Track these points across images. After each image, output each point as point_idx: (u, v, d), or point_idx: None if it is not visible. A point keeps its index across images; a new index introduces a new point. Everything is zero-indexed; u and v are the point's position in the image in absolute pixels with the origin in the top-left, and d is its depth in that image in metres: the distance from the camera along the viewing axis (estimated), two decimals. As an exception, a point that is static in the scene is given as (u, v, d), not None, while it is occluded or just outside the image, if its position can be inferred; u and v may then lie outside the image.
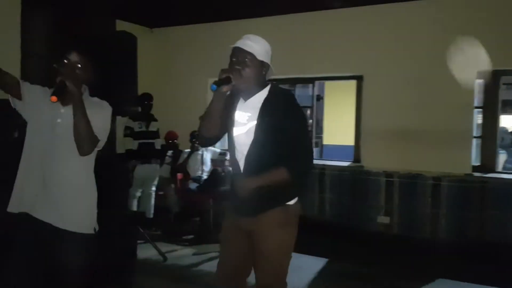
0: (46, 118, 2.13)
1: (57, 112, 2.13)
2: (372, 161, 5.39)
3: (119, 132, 5.35)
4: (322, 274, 4.26)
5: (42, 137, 2.13)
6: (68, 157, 2.10)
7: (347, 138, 6.59)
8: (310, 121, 6.86)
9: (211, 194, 5.51)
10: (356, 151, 5.71)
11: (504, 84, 5.22)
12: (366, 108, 5.51)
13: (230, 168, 2.33)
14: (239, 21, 6.04)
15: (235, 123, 2.20)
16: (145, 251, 4.58)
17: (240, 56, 2.10)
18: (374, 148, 5.41)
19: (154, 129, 5.45)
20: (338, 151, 8.24)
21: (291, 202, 2.17)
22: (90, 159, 2.21)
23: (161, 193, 5.89)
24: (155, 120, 5.49)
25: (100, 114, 2.19)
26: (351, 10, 5.43)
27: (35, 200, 2.11)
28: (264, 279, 2.19)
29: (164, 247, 4.78)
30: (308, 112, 6.80)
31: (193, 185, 5.70)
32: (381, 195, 5.25)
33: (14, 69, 4.23)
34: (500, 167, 5.52)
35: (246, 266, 2.28)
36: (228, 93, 2.12)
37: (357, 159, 5.66)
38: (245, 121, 2.15)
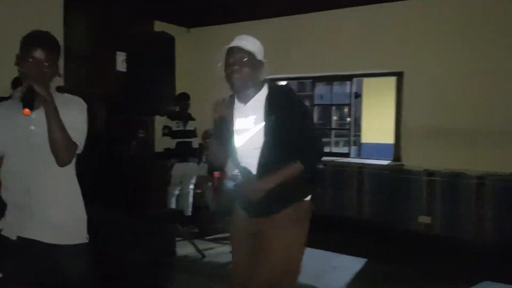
0: (20, 132, 1.85)
1: (28, 118, 1.82)
2: (413, 160, 5.24)
3: (158, 131, 5.47)
4: (359, 275, 4.18)
5: (18, 152, 1.86)
6: (50, 168, 1.84)
7: (386, 136, 6.46)
8: (348, 119, 6.76)
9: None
10: (396, 149, 5.57)
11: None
12: (406, 105, 5.37)
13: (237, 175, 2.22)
14: (275, 19, 6.03)
15: (237, 132, 2.11)
16: (184, 249, 4.64)
17: (238, 55, 2.04)
18: (414, 146, 5.26)
19: (192, 128, 5.53)
20: (376, 149, 8.09)
21: (306, 199, 2.14)
22: (72, 164, 1.96)
23: (198, 191, 5.96)
24: (193, 119, 5.57)
25: (75, 114, 1.90)
26: (389, 4, 5.30)
27: (23, 220, 1.89)
28: (273, 277, 2.07)
29: (202, 244, 4.83)
30: (346, 110, 6.69)
31: (230, 184, 5.72)
32: (422, 194, 5.10)
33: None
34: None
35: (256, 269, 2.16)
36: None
37: (397, 158, 5.52)
38: (250, 126, 2.07)
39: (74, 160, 1.94)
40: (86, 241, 2.03)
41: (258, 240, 2.12)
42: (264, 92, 2.09)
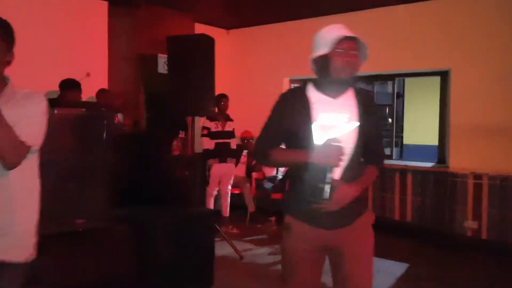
0: None
1: None
2: (458, 162, 5.03)
3: (197, 132, 5.52)
4: (402, 279, 4.06)
5: None
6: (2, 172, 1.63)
7: (429, 137, 6.26)
8: (390, 120, 6.60)
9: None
10: (441, 151, 5.38)
11: None
12: (452, 105, 5.17)
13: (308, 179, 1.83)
14: (313, 19, 5.97)
15: (322, 128, 1.86)
16: (222, 249, 4.65)
17: (356, 46, 1.89)
18: (460, 148, 5.05)
19: (230, 129, 5.55)
20: (419, 151, 7.85)
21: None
22: (30, 163, 1.72)
23: (237, 192, 5.97)
24: (231, 120, 5.59)
25: (32, 110, 1.68)
26: (431, 2, 5.13)
27: None
28: (360, 284, 1.94)
29: (241, 245, 4.83)
30: (387, 110, 6.53)
31: (268, 185, 5.71)
32: (468, 198, 4.89)
33: (102, 71, 4.53)
34: None
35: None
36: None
37: (441, 160, 5.33)
38: (341, 123, 1.88)
39: (35, 157, 1.74)
40: (30, 259, 1.76)
41: (338, 256, 1.95)
42: (350, 90, 1.95)
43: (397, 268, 4.29)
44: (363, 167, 1.96)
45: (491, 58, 4.80)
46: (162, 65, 5.11)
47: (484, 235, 4.82)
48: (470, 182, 4.87)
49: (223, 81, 5.90)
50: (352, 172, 1.87)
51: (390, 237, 5.10)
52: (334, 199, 1.78)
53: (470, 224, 4.87)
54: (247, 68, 6.97)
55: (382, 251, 4.56)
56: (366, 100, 1.97)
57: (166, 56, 4.60)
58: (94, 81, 4.74)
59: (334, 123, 1.87)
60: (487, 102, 4.81)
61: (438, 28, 5.14)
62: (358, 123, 1.88)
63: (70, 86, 3.94)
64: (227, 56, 6.72)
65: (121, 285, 3.11)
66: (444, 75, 5.30)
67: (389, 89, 6.26)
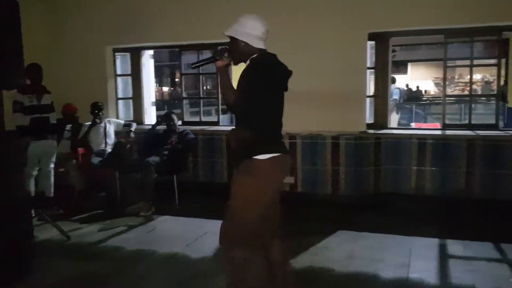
0: None
1: None
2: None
3: (7, 107, 4.94)
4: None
5: None
6: None
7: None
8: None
9: (116, 167, 5.34)
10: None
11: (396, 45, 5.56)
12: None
13: None
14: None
15: None
16: (46, 232, 4.35)
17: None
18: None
19: (48, 102, 5.07)
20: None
21: (260, 157, 2.34)
22: None
23: (61, 170, 5.58)
24: (48, 92, 5.10)
25: None
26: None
27: None
28: (226, 218, 2.44)
29: (68, 225, 4.59)
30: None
31: (96, 160, 5.47)
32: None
33: None
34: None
35: None
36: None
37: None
38: None
39: None
40: None
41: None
42: (249, 61, 2.47)
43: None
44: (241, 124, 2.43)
45: (299, 30, 5.28)
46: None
47: (299, 189, 5.44)
48: (286, 142, 5.40)
49: (36, 50, 5.37)
50: (235, 122, 2.53)
51: (219, 200, 5.37)
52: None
53: (288, 179, 5.42)
54: (65, 36, 6.44)
55: (211, 213, 4.83)
56: (246, 69, 2.45)
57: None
58: None
59: None
60: (295, 70, 5.23)
61: None
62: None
63: None
64: (39, 22, 6.10)
65: None
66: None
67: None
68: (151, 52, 6.62)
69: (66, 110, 5.85)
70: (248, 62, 2.47)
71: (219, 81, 2.63)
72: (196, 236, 4.31)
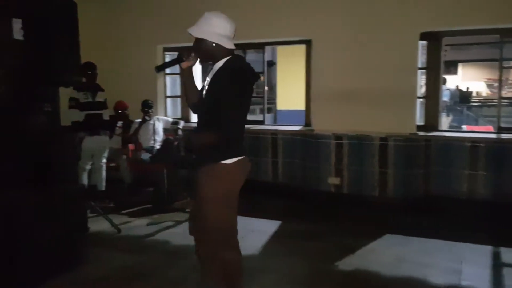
0: None
1: None
2: (321, 124, 5.47)
3: (63, 104, 5.16)
4: (276, 235, 4.37)
5: None
6: None
7: (300, 102, 6.64)
8: (266, 88, 6.82)
9: (164, 163, 5.47)
10: (307, 114, 5.79)
11: (446, 45, 5.39)
12: (313, 72, 5.56)
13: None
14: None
15: (203, 87, 2.52)
16: (98, 224, 4.52)
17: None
18: (322, 111, 5.47)
19: (101, 99, 5.28)
20: (292, 116, 8.29)
21: (225, 162, 2.39)
22: None
23: (112, 165, 5.78)
24: (102, 90, 5.31)
25: None
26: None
27: None
28: (200, 221, 2.51)
29: (119, 219, 4.74)
30: (262, 78, 6.73)
31: (145, 156, 5.62)
32: (331, 156, 5.37)
33: None
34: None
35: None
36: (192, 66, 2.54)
37: (308, 123, 5.74)
38: (206, 85, 2.49)
39: None
40: None
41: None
42: (221, 63, 2.45)
43: (270, 226, 4.60)
44: (207, 127, 2.40)
45: (347, 29, 5.22)
46: (17, 31, 4.63)
47: (345, 190, 5.37)
48: (332, 142, 5.35)
49: (92, 49, 5.57)
50: (199, 126, 2.51)
51: (264, 198, 5.43)
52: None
53: (334, 180, 5.38)
54: (119, 36, 6.66)
55: (255, 211, 4.90)
56: (220, 72, 2.41)
57: (21, 20, 4.16)
58: None
59: (205, 84, 2.50)
60: (343, 69, 5.27)
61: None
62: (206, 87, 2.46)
63: None
64: (94, 22, 6.33)
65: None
66: (308, 44, 5.64)
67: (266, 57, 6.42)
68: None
69: (118, 107, 6.05)
70: (222, 64, 2.43)
71: (183, 82, 2.63)
72: (242, 233, 4.31)
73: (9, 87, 3.84)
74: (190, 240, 4.09)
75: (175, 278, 3.41)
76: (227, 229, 2.52)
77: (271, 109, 9.03)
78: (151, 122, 5.88)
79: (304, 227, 4.58)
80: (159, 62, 6.59)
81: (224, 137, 2.32)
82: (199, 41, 2.43)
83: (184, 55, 2.49)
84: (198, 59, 2.52)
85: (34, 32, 3.89)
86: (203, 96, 2.46)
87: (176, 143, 5.80)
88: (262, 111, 6.69)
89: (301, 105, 6.05)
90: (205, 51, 2.44)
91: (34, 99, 3.91)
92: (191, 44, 2.48)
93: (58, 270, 3.35)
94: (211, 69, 2.50)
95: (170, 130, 6.04)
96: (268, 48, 6.27)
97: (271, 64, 9.25)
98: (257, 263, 3.63)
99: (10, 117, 3.61)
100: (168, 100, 6.84)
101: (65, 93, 5.05)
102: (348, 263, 3.59)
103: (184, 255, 3.76)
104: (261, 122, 6.32)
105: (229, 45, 2.43)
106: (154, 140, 5.87)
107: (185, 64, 2.50)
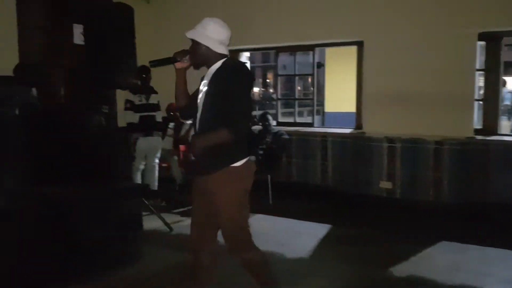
0: None
1: None
2: (373, 127, 5.37)
3: (120, 106, 5.36)
4: (325, 239, 4.32)
5: None
6: None
7: (349, 105, 6.56)
8: (312, 88, 6.79)
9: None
10: (358, 117, 5.70)
11: (506, 45, 5.15)
12: (365, 74, 5.46)
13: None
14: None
15: (199, 91, 2.50)
16: (151, 223, 4.65)
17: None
18: (374, 114, 5.38)
19: (155, 101, 5.45)
20: (340, 118, 8.20)
21: (236, 164, 2.38)
22: None
23: (164, 165, 5.93)
24: (155, 92, 5.48)
25: None
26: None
27: None
28: (224, 231, 2.51)
29: (170, 218, 4.86)
30: (309, 79, 6.70)
31: (196, 156, 5.73)
32: (383, 160, 5.27)
33: (11, 40, 4.21)
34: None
35: (210, 222, 2.53)
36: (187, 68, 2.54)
37: (359, 126, 5.65)
38: (203, 88, 2.46)
39: None
40: None
41: (206, 198, 2.46)
42: (218, 64, 2.44)
43: (319, 230, 4.55)
44: (214, 127, 2.33)
45: (400, 30, 5.10)
46: (78, 36, 4.85)
47: (397, 194, 5.24)
48: (385, 145, 5.24)
49: (146, 52, 5.74)
50: (203, 128, 2.41)
51: (312, 201, 5.39)
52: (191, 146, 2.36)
53: (385, 184, 5.26)
54: (170, 39, 6.82)
55: (305, 214, 4.87)
56: (223, 71, 2.40)
57: (82, 26, 4.36)
58: (3, 53, 4.40)
59: (201, 87, 2.49)
60: (397, 71, 5.14)
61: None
62: (206, 88, 2.42)
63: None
64: (148, 26, 6.53)
65: (46, 264, 3.04)
66: (360, 45, 5.56)
67: (311, 59, 6.40)
68: (247, 54, 6.79)
69: (170, 109, 6.20)
70: (219, 65, 2.43)
71: (175, 83, 2.59)
72: (291, 236, 4.34)
73: (70, 89, 4.04)
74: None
75: (223, 276, 3.45)
76: (248, 227, 2.56)
77: (319, 111, 8.97)
78: (202, 123, 5.99)
79: (354, 231, 4.50)
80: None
81: (236, 133, 2.29)
82: (193, 44, 2.46)
83: (178, 56, 2.50)
84: (192, 64, 2.53)
85: (93, 37, 4.07)
86: (203, 98, 2.43)
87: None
88: (310, 113, 6.65)
89: (350, 107, 5.97)
90: (198, 53, 2.45)
91: (93, 100, 4.09)
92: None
93: (112, 267, 3.46)
94: (205, 74, 2.50)
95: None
96: (316, 50, 6.22)
97: (319, 65, 9.19)
98: (305, 266, 3.61)
99: (70, 117, 3.79)
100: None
101: (121, 95, 5.26)
102: (401, 270, 3.50)
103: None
104: (310, 125, 6.28)
105: (221, 49, 2.44)
106: (205, 141, 5.97)
107: (178, 65, 2.52)
